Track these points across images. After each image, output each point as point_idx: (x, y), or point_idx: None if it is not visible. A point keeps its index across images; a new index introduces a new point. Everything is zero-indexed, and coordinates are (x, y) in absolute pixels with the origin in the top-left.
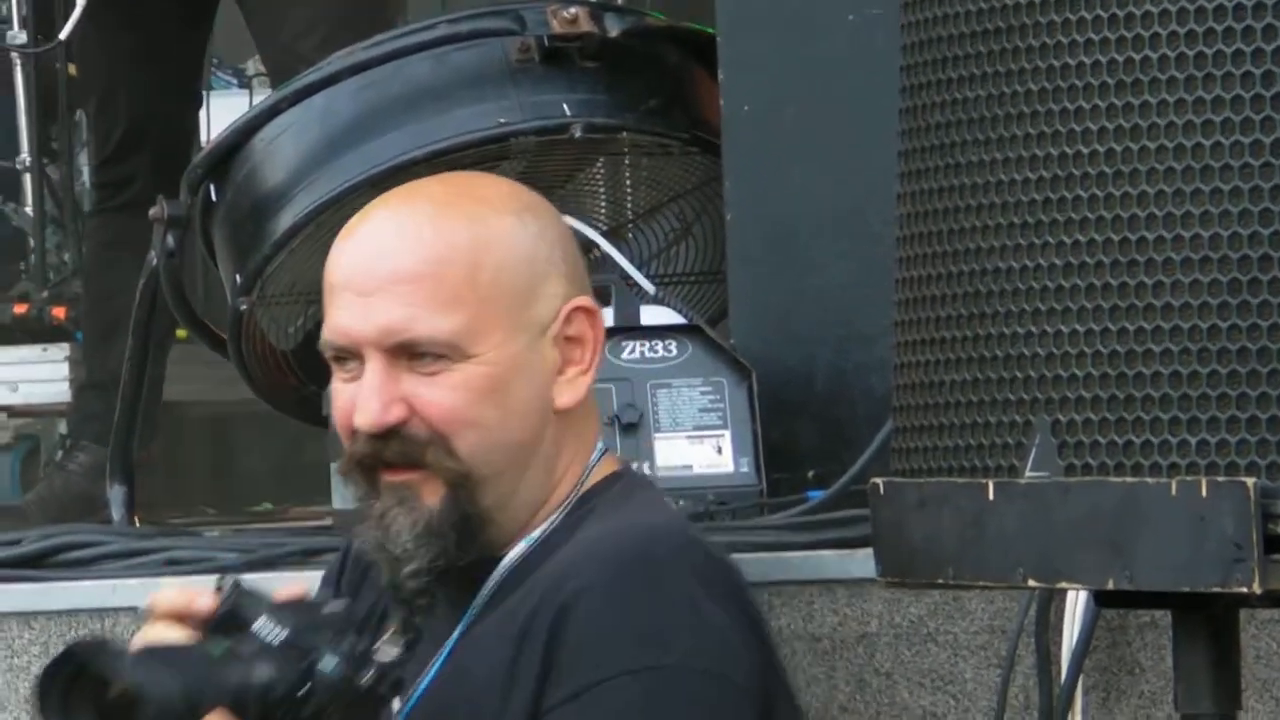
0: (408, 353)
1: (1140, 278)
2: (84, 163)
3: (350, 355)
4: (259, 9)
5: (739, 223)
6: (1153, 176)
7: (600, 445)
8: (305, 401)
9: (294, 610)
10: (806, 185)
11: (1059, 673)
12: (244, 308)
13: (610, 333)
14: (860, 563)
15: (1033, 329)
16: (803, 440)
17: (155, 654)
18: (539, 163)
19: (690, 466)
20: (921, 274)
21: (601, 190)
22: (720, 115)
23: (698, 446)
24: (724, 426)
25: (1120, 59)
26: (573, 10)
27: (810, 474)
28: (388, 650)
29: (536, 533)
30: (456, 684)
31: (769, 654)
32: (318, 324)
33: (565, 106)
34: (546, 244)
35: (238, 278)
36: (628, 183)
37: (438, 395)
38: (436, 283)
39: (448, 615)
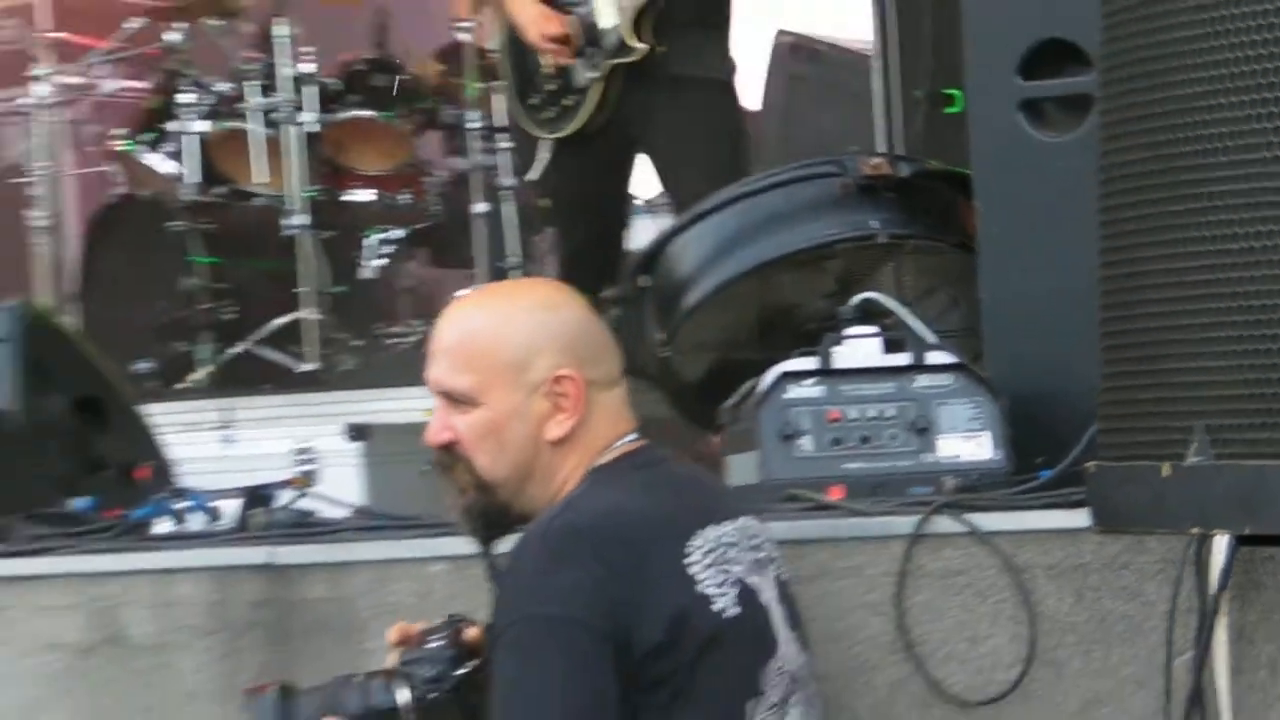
0: (451, 397)
1: (1263, 330)
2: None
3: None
4: (665, 163)
5: (990, 299)
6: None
7: (616, 447)
8: (707, 415)
9: (418, 643)
10: (1036, 273)
11: (1210, 588)
12: (665, 355)
13: (907, 369)
14: (1078, 517)
15: (1193, 364)
16: (1037, 438)
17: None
18: (854, 260)
19: (959, 456)
20: (1119, 328)
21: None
22: (976, 227)
23: (968, 442)
24: (985, 429)
25: (1247, 187)
26: (876, 159)
27: (1039, 460)
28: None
29: None
30: None
31: (630, 594)
32: (712, 367)
33: (873, 222)
34: (546, 331)
35: (660, 336)
36: (915, 272)
37: (461, 429)
38: (462, 353)
39: None
